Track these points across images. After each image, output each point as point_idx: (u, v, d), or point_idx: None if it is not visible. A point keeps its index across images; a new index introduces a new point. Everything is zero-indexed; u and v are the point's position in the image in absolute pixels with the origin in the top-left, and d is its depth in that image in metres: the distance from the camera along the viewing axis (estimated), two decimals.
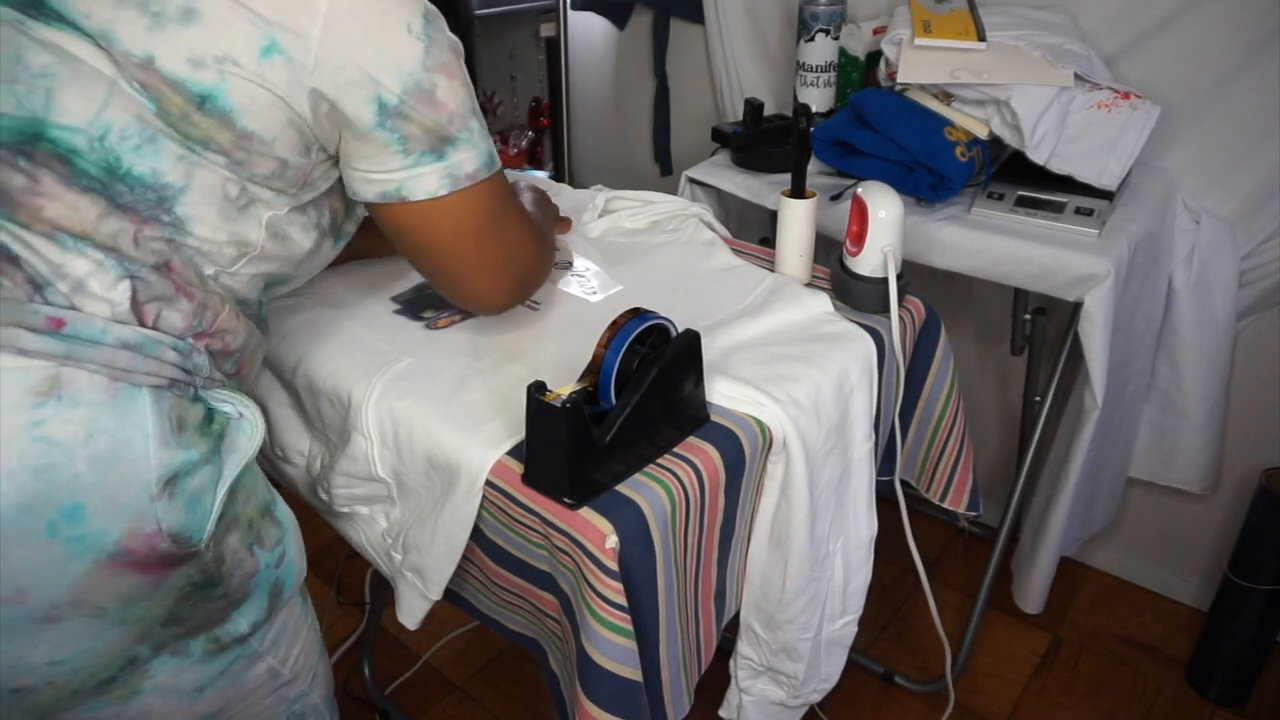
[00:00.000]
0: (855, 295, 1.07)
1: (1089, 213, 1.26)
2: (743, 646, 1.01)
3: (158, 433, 0.65)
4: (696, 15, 1.92)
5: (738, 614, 0.99)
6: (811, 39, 1.52)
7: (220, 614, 0.72)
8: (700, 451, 0.84)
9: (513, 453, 0.83)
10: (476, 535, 0.86)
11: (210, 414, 0.71)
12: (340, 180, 0.81)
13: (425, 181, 0.76)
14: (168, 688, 0.71)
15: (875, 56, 1.52)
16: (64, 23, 0.66)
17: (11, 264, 0.62)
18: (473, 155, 0.78)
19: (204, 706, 0.74)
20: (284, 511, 0.79)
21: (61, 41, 0.66)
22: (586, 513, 0.77)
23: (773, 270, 1.15)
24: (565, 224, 1.21)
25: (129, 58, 0.65)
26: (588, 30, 2.20)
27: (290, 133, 0.71)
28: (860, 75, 1.55)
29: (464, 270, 0.84)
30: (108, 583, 0.63)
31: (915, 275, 1.13)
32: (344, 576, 1.78)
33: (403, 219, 0.79)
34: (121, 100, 0.66)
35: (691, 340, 0.84)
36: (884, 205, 1.03)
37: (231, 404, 0.73)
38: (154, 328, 0.67)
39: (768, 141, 1.47)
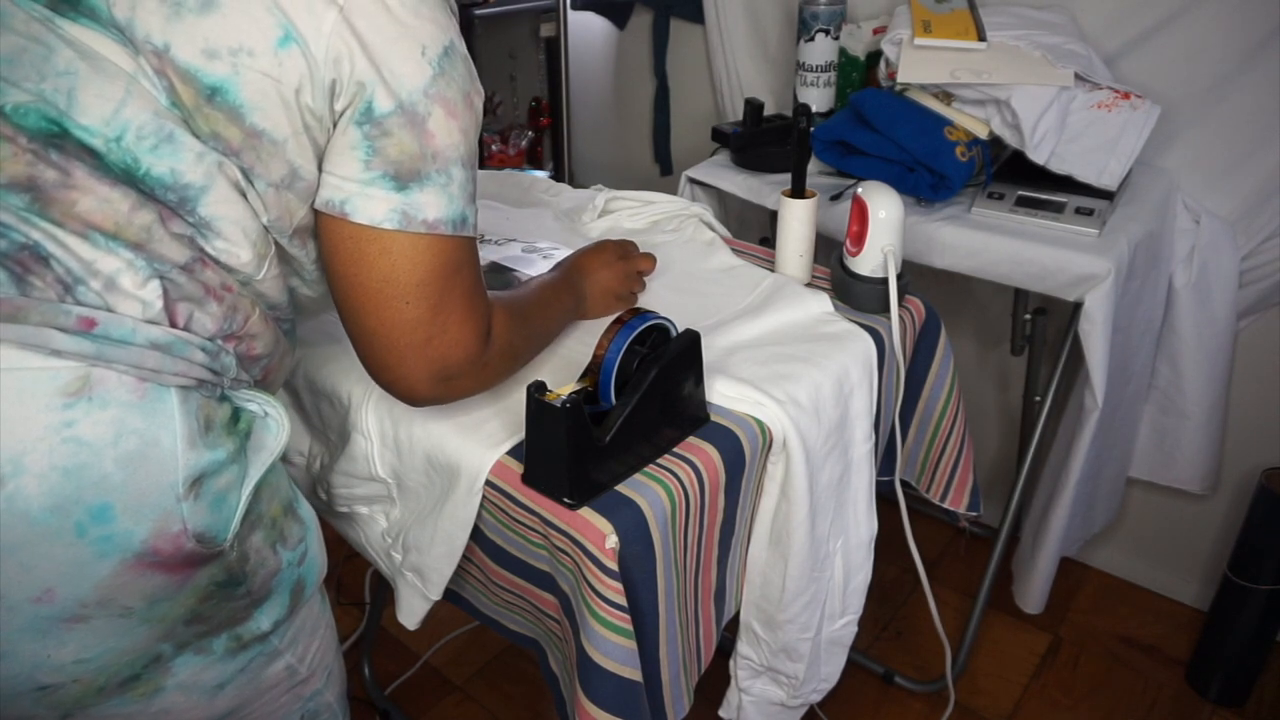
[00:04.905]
0: (855, 295, 1.07)
1: (1089, 213, 1.26)
2: (743, 646, 1.01)
3: (185, 433, 0.65)
4: (696, 15, 1.92)
5: (738, 614, 0.99)
6: (811, 39, 1.52)
7: (243, 612, 0.72)
8: (700, 451, 0.84)
9: (513, 453, 0.83)
10: (476, 535, 0.86)
11: (237, 413, 0.71)
12: None
13: (372, 206, 0.70)
14: (189, 685, 0.71)
15: (875, 56, 1.52)
16: (91, 18, 0.66)
17: (42, 264, 0.62)
18: (440, 203, 0.72)
19: (223, 704, 0.75)
20: (306, 509, 0.79)
21: (85, 38, 0.66)
22: (586, 513, 0.77)
23: (773, 270, 1.15)
24: (647, 261, 1.08)
25: (147, 44, 0.66)
26: (588, 30, 2.20)
27: (303, 139, 0.70)
28: (860, 75, 1.55)
29: (380, 328, 0.74)
30: (134, 582, 0.63)
31: (915, 275, 1.13)
32: (344, 576, 1.78)
33: (338, 239, 0.73)
34: (139, 98, 0.65)
35: (691, 340, 0.84)
36: (884, 205, 1.03)
37: (257, 403, 0.73)
38: (185, 329, 0.67)
39: (768, 141, 1.47)
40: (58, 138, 0.64)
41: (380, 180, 0.70)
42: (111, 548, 0.62)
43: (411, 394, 0.78)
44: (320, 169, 0.72)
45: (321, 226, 0.74)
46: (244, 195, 0.70)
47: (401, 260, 0.72)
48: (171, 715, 0.72)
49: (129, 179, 0.65)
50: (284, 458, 1.01)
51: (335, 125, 0.70)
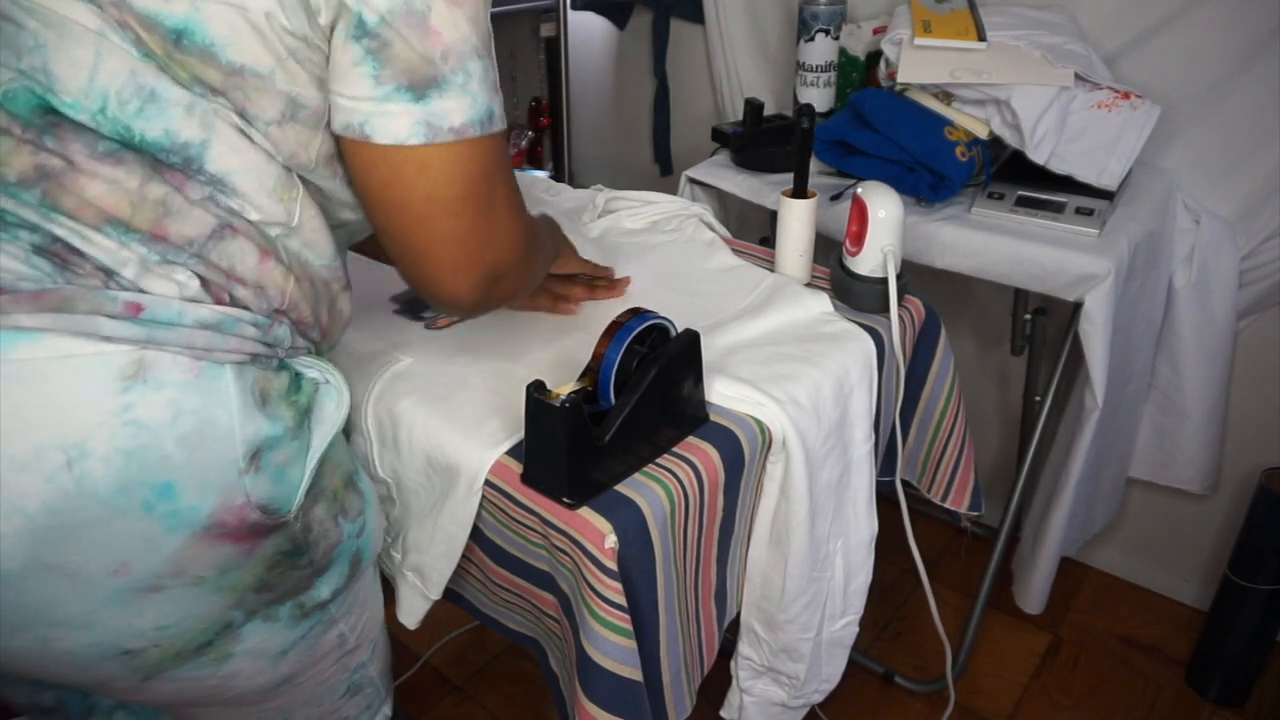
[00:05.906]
0: (855, 295, 1.07)
1: (1089, 213, 1.26)
2: (743, 647, 1.01)
3: (241, 408, 0.65)
4: (696, 15, 1.92)
5: (739, 615, 0.99)
6: (811, 39, 1.52)
7: (306, 581, 0.74)
8: (700, 451, 0.84)
9: (512, 452, 0.83)
10: (476, 535, 0.86)
11: (297, 379, 0.71)
12: None
13: (394, 123, 0.65)
14: (256, 651, 0.73)
15: (875, 56, 1.52)
16: None
17: (77, 255, 0.62)
18: (464, 105, 0.67)
19: (284, 669, 0.77)
20: (365, 483, 0.81)
21: (49, 2, 0.62)
22: (586, 512, 0.77)
23: (773, 270, 1.15)
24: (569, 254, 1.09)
25: None
26: (588, 30, 2.20)
27: (291, 65, 0.65)
28: (860, 75, 1.55)
29: (431, 245, 0.71)
30: (203, 553, 0.65)
31: (915, 275, 1.13)
32: None
33: (369, 164, 0.68)
34: (111, 59, 0.62)
35: (691, 340, 0.84)
36: (884, 205, 1.03)
37: (318, 370, 0.73)
38: (231, 304, 0.66)
39: (768, 141, 1.47)
40: (51, 117, 0.62)
41: (396, 94, 0.65)
42: (179, 522, 0.63)
43: (459, 303, 0.76)
44: (328, 91, 0.68)
45: (346, 152, 0.70)
46: (250, 139, 0.67)
47: (439, 175, 0.68)
48: (238, 680, 0.74)
49: (129, 149, 0.63)
50: None
51: (329, 42, 0.65)
